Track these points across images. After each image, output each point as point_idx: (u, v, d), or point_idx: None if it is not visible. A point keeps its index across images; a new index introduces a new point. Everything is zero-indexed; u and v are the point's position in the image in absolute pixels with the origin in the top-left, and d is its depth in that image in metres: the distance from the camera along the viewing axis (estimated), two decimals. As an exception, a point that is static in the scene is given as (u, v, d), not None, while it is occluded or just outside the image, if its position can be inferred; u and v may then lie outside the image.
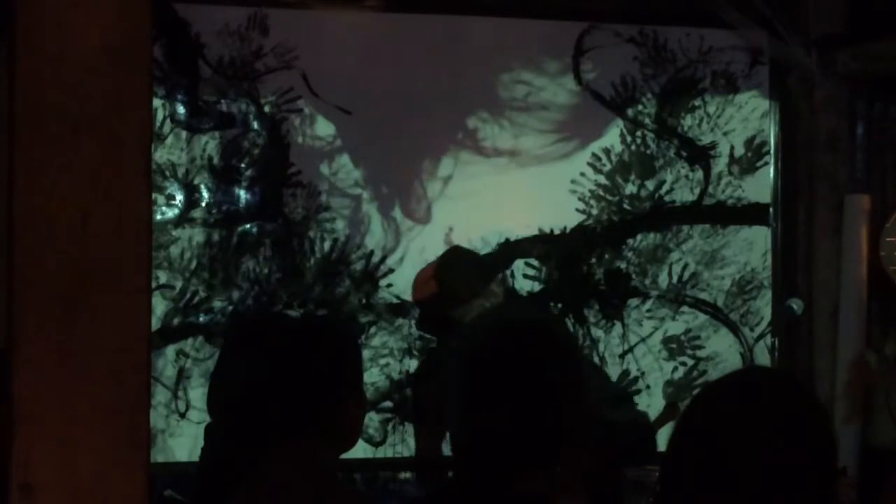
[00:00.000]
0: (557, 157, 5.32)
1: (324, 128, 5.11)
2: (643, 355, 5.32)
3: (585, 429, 2.32)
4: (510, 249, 5.25)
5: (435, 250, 5.10)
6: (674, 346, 5.42)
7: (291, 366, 2.72)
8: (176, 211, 4.97)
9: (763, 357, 5.51)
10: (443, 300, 4.84)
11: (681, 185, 5.45)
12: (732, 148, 5.51)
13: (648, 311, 5.40)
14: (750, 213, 5.52)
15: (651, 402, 5.30)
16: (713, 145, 5.49)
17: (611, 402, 4.81)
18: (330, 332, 2.95)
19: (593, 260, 5.33)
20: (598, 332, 5.34)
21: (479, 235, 5.22)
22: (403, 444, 5.15)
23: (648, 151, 5.42)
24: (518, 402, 2.22)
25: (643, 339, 5.38)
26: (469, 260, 4.90)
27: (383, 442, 5.14)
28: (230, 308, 4.99)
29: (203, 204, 5.00)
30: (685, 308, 5.42)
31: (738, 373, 2.61)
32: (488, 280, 4.81)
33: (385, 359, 5.13)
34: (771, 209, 5.53)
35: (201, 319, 4.98)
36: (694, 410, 1.95)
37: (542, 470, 2.24)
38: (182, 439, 4.91)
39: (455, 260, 4.89)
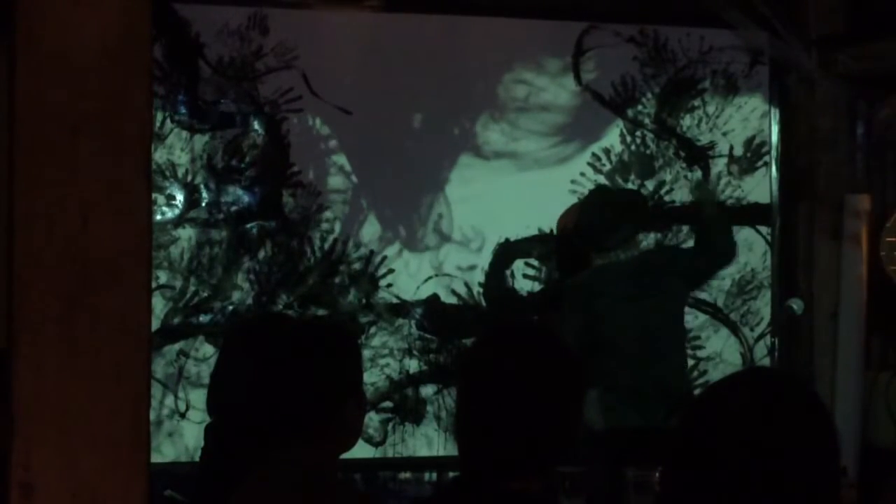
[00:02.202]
0: (557, 160, 5.31)
1: (323, 128, 5.11)
2: (643, 355, 5.31)
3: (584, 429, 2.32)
4: (510, 249, 5.25)
5: (435, 250, 5.10)
6: (674, 346, 5.42)
7: (291, 366, 2.72)
8: (176, 211, 4.97)
9: (763, 357, 5.51)
10: (592, 239, 4.83)
11: (680, 185, 5.45)
12: (732, 148, 5.51)
13: (648, 311, 5.40)
14: (750, 213, 5.52)
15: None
16: (713, 145, 5.49)
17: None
18: (330, 332, 2.95)
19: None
20: (598, 332, 5.33)
21: (479, 235, 5.22)
22: (403, 444, 5.15)
23: (648, 151, 5.42)
24: (518, 402, 2.22)
25: (643, 339, 5.37)
26: (627, 201, 4.93)
27: (383, 442, 5.14)
28: (230, 308, 4.99)
29: (203, 204, 5.00)
30: (685, 308, 5.42)
31: (740, 373, 2.61)
32: (637, 225, 4.85)
33: (385, 359, 5.13)
34: (771, 209, 5.53)
35: (201, 319, 4.98)
36: (697, 411, 1.95)
37: (541, 470, 2.24)
38: (182, 439, 4.91)
39: (609, 200, 4.89)
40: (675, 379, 4.82)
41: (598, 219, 4.80)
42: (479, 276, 5.25)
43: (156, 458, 4.65)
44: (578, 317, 4.72)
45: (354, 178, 5.15)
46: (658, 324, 4.72)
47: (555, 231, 5.23)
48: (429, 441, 5.15)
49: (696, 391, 5.34)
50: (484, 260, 5.25)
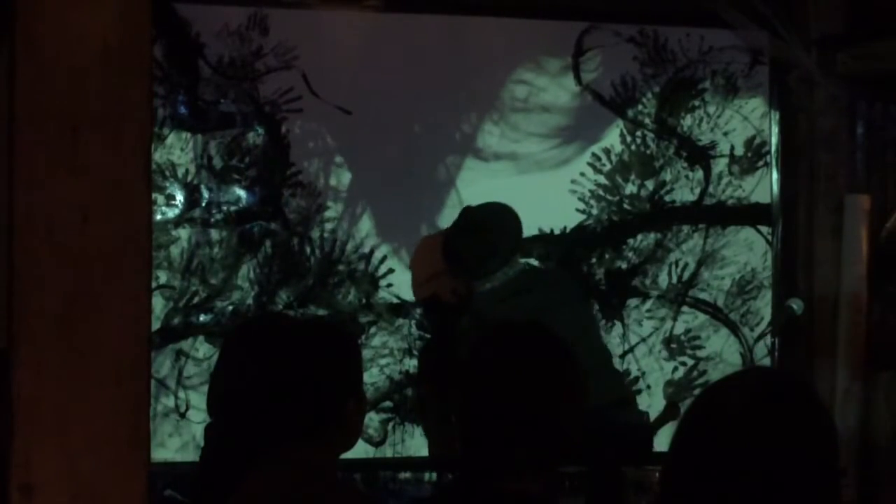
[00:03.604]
0: (557, 162, 5.31)
1: (323, 128, 5.11)
2: (643, 355, 5.33)
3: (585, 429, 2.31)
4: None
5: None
6: (674, 346, 5.42)
7: (291, 366, 2.73)
8: (176, 211, 4.97)
9: (763, 357, 5.51)
10: (463, 270, 4.61)
11: (681, 185, 5.45)
12: (732, 148, 5.51)
13: (648, 311, 5.40)
14: (750, 213, 5.52)
15: (651, 402, 5.30)
16: (713, 145, 5.49)
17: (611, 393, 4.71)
18: (329, 332, 2.95)
19: (593, 260, 5.33)
20: (598, 332, 5.33)
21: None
22: (403, 444, 5.15)
23: (648, 151, 5.42)
24: (517, 402, 2.22)
25: (643, 339, 5.38)
26: (501, 217, 4.63)
27: (383, 442, 5.14)
28: (230, 308, 4.99)
29: (203, 204, 5.00)
30: (685, 308, 5.42)
31: (740, 373, 2.61)
32: (517, 243, 4.62)
33: (385, 359, 5.13)
34: (771, 209, 5.53)
35: (201, 319, 4.98)
36: (696, 411, 1.95)
37: (541, 471, 2.24)
38: (182, 439, 4.91)
39: (485, 216, 4.63)
40: (609, 378, 4.69)
41: (474, 245, 4.55)
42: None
43: (156, 458, 4.66)
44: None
45: (354, 179, 5.15)
46: (573, 329, 4.53)
47: (554, 231, 5.21)
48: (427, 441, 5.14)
49: (697, 391, 5.34)
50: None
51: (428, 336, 5.18)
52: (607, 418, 4.53)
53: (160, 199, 4.91)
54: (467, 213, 4.71)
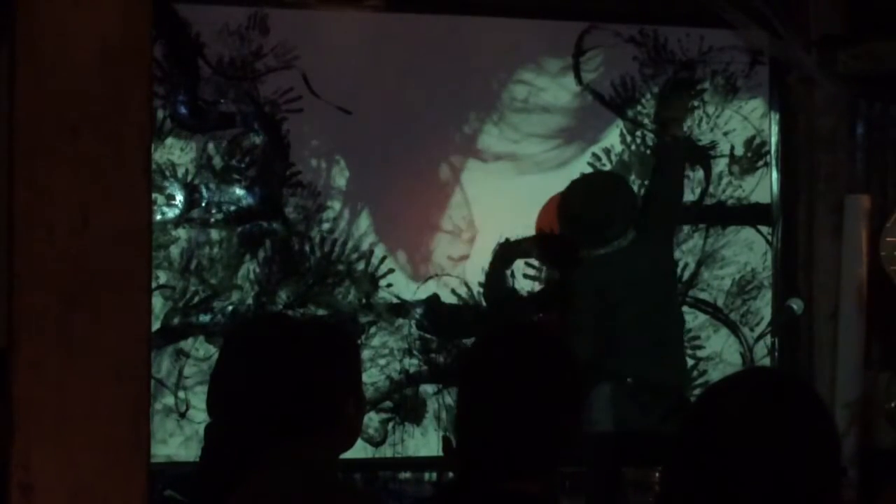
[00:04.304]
0: (558, 163, 5.31)
1: (323, 128, 5.11)
2: (643, 355, 5.31)
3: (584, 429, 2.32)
4: (510, 249, 5.25)
5: (436, 249, 5.10)
6: (674, 346, 5.42)
7: (291, 365, 2.73)
8: (176, 211, 4.97)
9: (763, 357, 5.51)
10: (583, 235, 4.84)
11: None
12: (732, 148, 5.51)
13: (648, 311, 5.40)
14: (750, 213, 5.52)
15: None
16: (713, 145, 5.49)
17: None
18: (328, 332, 2.95)
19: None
20: (598, 332, 5.32)
21: (478, 235, 5.22)
22: (403, 444, 5.15)
23: (648, 151, 5.42)
24: (517, 402, 2.22)
25: (643, 339, 5.38)
26: (617, 188, 4.91)
27: (383, 442, 5.13)
28: (230, 308, 4.99)
29: (203, 204, 5.00)
30: (685, 308, 5.42)
31: (740, 373, 2.61)
32: (635, 214, 4.84)
33: (385, 359, 5.13)
34: (771, 209, 5.53)
35: (201, 319, 4.98)
36: (697, 411, 1.95)
37: (541, 471, 2.24)
38: (182, 439, 4.91)
39: (606, 187, 4.89)
40: (679, 371, 4.88)
41: (585, 211, 4.82)
42: (474, 273, 5.24)
43: (156, 458, 4.66)
44: (585, 313, 4.73)
45: (354, 179, 5.15)
46: (661, 314, 4.74)
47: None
48: (429, 441, 5.14)
49: (696, 391, 5.34)
50: (476, 253, 5.23)
51: (429, 336, 5.18)
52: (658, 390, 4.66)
53: (160, 199, 4.91)
54: (587, 179, 4.98)
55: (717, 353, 5.47)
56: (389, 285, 5.16)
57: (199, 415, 4.81)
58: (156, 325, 4.80)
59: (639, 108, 5.41)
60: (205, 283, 4.98)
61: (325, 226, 5.11)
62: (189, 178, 4.98)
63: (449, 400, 5.15)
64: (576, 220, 4.86)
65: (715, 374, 5.35)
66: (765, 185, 5.53)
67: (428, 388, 5.19)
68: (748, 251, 5.51)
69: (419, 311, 5.17)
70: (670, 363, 4.83)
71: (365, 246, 5.14)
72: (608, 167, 5.35)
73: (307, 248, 5.09)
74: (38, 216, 1.73)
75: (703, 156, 5.48)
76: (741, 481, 1.83)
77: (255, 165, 5.04)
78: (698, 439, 1.89)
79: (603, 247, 4.80)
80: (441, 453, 2.33)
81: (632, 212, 4.86)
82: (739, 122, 5.52)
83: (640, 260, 4.82)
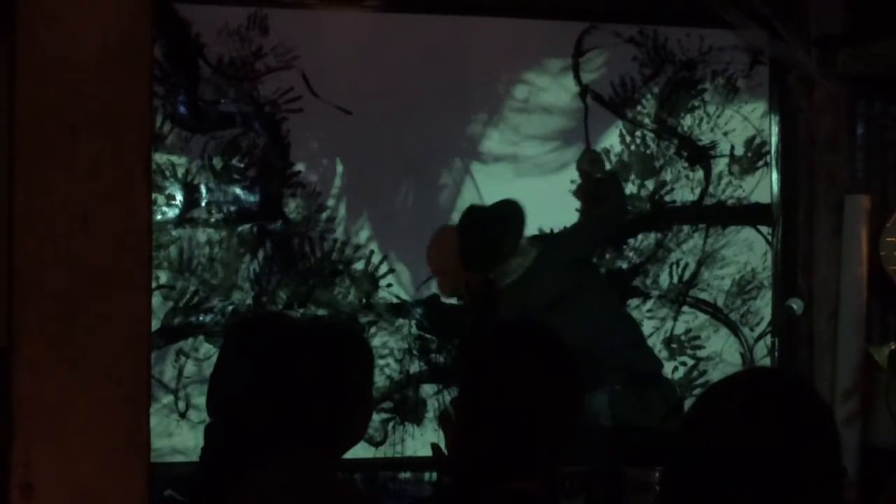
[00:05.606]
0: (558, 165, 5.31)
1: (323, 128, 5.11)
2: (643, 355, 5.31)
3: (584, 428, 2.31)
4: (552, 239, 5.24)
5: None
6: (674, 345, 5.42)
7: (306, 370, 2.71)
8: (176, 211, 4.97)
9: (763, 357, 5.51)
10: (473, 260, 4.83)
11: (681, 185, 5.45)
12: (732, 148, 5.51)
13: (649, 311, 5.40)
14: (750, 213, 5.52)
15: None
16: (713, 145, 5.49)
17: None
18: (346, 338, 2.94)
19: (594, 260, 5.33)
20: (598, 332, 5.33)
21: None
22: (403, 444, 5.15)
23: (648, 151, 5.42)
24: (517, 402, 2.22)
25: (643, 339, 5.38)
26: (498, 214, 4.85)
27: (383, 442, 5.14)
28: (230, 308, 4.99)
29: (203, 204, 5.00)
30: (685, 308, 5.42)
31: (740, 373, 2.61)
32: (519, 235, 4.81)
33: (385, 359, 5.13)
34: (771, 209, 5.53)
35: (201, 319, 4.98)
36: (698, 411, 1.95)
37: (541, 470, 2.24)
38: (182, 439, 4.91)
39: (484, 216, 4.85)
40: (642, 357, 4.87)
41: (480, 242, 4.79)
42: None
43: (156, 459, 4.66)
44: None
45: (354, 178, 5.14)
46: (597, 323, 4.72)
47: (554, 231, 5.20)
48: (428, 441, 5.14)
49: (696, 391, 5.34)
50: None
51: (429, 336, 5.18)
52: (646, 387, 4.66)
53: (160, 199, 4.91)
54: (471, 212, 4.84)
55: (717, 353, 5.47)
56: (389, 285, 5.16)
57: (199, 415, 4.81)
58: (156, 325, 4.80)
59: (638, 108, 5.41)
60: (205, 283, 4.98)
61: (325, 226, 5.11)
62: (189, 178, 4.98)
63: (449, 400, 5.15)
64: (464, 253, 4.84)
65: (715, 374, 5.36)
66: (765, 185, 5.53)
67: (428, 388, 5.19)
68: (748, 251, 5.51)
69: (419, 311, 5.17)
70: (632, 364, 4.80)
71: (365, 246, 5.14)
72: (608, 167, 5.35)
73: (307, 248, 5.09)
74: (38, 216, 1.73)
75: (703, 156, 5.48)
76: (741, 481, 1.83)
77: (255, 165, 5.04)
78: (698, 439, 1.89)
79: (502, 274, 4.78)
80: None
81: (517, 237, 4.80)
82: (739, 122, 5.52)
83: (555, 277, 4.78)
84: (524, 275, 4.78)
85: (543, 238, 5.12)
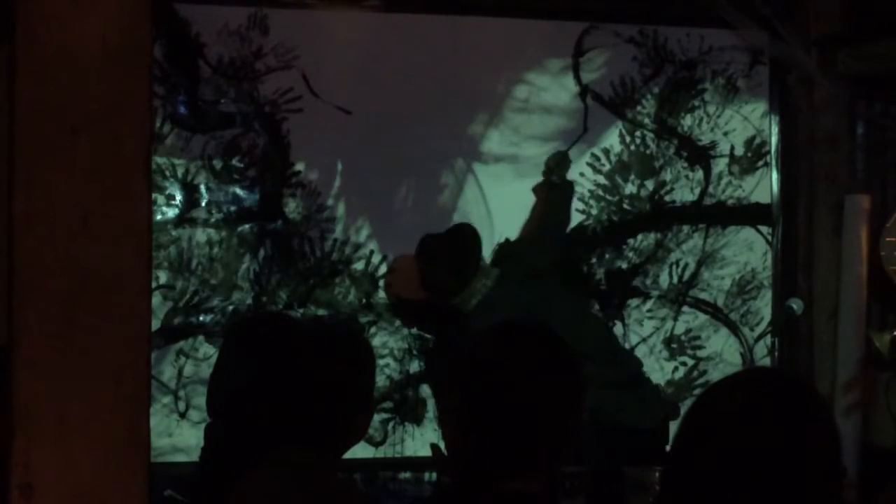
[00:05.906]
0: None
1: (323, 128, 5.11)
2: (644, 355, 5.31)
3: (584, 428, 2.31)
4: (510, 249, 5.25)
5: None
6: (674, 346, 5.42)
7: (309, 371, 2.71)
8: (176, 211, 4.97)
9: (763, 357, 5.51)
10: (435, 290, 4.83)
11: (681, 185, 5.45)
12: (732, 148, 5.51)
13: (649, 311, 5.40)
14: (750, 213, 5.52)
15: (651, 402, 5.30)
16: (713, 145, 5.49)
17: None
18: (347, 338, 2.94)
19: (593, 260, 5.33)
20: (598, 332, 5.33)
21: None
22: (403, 444, 5.15)
23: (648, 151, 5.41)
24: (517, 402, 2.22)
25: (644, 340, 5.38)
26: (453, 241, 4.86)
27: (383, 442, 5.13)
28: (230, 308, 4.99)
29: (203, 204, 5.00)
30: (685, 308, 5.42)
31: (740, 373, 2.61)
32: (478, 258, 4.81)
33: (385, 359, 5.13)
34: (771, 209, 5.53)
35: (201, 319, 4.98)
36: (697, 411, 1.95)
37: (541, 471, 2.24)
38: (182, 439, 4.91)
39: (439, 245, 4.85)
40: (617, 359, 4.88)
41: (443, 272, 4.79)
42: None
43: (156, 458, 4.66)
44: None
45: (354, 179, 5.14)
46: (568, 318, 4.70)
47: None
48: (428, 441, 5.14)
49: (696, 391, 5.34)
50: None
51: (428, 336, 5.18)
52: (627, 394, 4.67)
53: (160, 199, 4.91)
54: (427, 242, 4.90)
55: (717, 353, 5.47)
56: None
57: (199, 415, 4.81)
58: (156, 325, 4.80)
59: (638, 108, 5.41)
60: (205, 283, 4.98)
61: (325, 226, 5.11)
62: (189, 178, 4.98)
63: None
64: (440, 281, 4.83)
65: (715, 374, 5.35)
66: (765, 185, 5.53)
67: (428, 388, 5.19)
68: (748, 251, 5.51)
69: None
70: (608, 367, 4.79)
71: (365, 246, 5.14)
72: (608, 167, 5.35)
73: (307, 247, 5.09)
74: (38, 216, 1.73)
75: (702, 156, 5.48)
76: (741, 481, 1.83)
77: (255, 165, 5.04)
78: (698, 439, 1.89)
79: (464, 298, 4.78)
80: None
81: (473, 262, 4.80)
82: (739, 122, 5.52)
83: (520, 292, 4.78)
84: (488, 295, 4.77)
85: (502, 249, 5.10)
